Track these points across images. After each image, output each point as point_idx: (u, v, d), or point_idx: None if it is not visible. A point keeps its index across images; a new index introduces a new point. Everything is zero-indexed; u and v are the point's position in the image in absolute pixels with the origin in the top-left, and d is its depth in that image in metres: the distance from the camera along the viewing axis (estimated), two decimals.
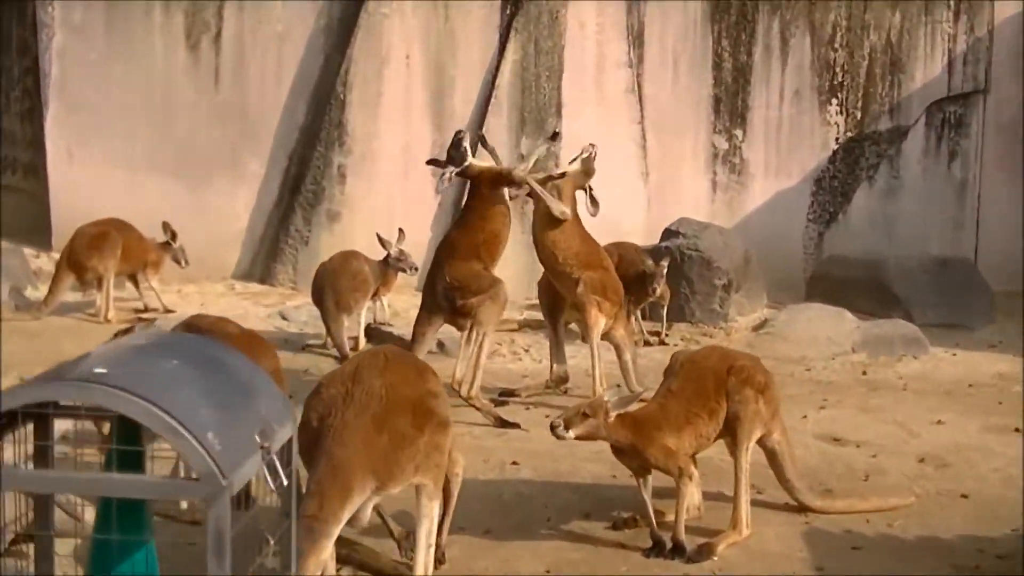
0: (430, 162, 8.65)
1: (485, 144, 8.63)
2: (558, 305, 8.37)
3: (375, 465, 4.53)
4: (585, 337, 8.18)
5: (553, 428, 5.39)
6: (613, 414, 5.44)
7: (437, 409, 4.79)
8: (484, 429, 7.47)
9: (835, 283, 11.74)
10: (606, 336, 8.06)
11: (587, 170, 8.04)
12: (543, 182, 7.92)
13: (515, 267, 10.45)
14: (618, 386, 5.69)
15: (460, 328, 7.87)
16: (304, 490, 4.42)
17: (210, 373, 3.31)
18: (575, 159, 8.09)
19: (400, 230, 9.79)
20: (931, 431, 7.71)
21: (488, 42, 12.21)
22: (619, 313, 8.08)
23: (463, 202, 8.20)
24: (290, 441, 3.52)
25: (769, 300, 11.51)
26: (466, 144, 7.85)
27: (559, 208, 7.83)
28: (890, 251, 12.43)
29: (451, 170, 7.77)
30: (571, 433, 5.37)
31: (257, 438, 3.24)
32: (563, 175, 8.02)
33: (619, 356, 8.14)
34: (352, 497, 4.46)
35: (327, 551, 4.44)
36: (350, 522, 4.53)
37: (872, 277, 11.58)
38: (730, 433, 5.75)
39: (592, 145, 8.12)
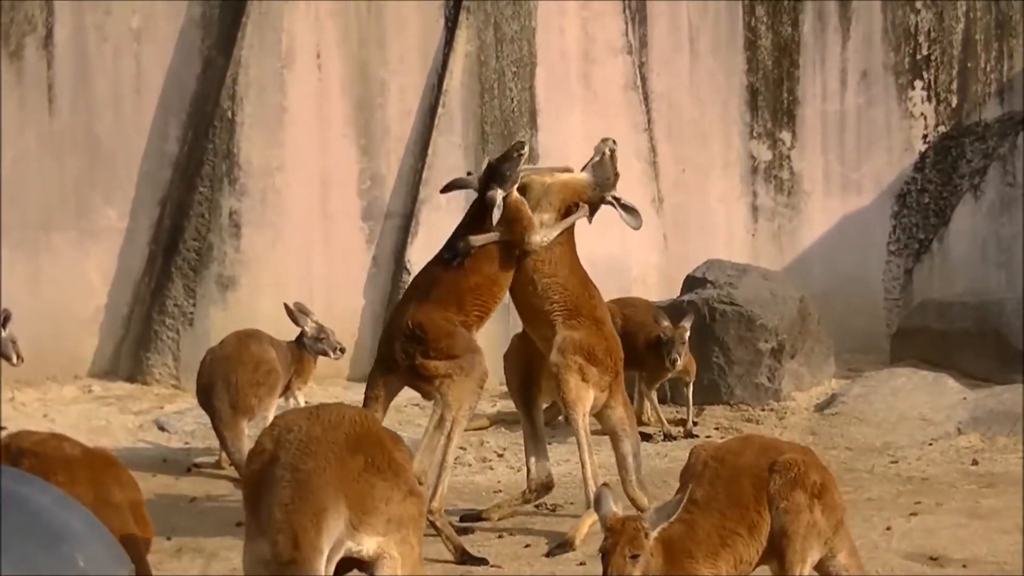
0: (448, 187, 8.70)
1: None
2: (531, 376, 8.47)
3: (347, 488, 5.02)
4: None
5: None
6: (652, 536, 5.47)
7: (410, 476, 5.33)
8: (444, 567, 7.59)
9: (932, 338, 11.91)
10: (598, 418, 8.18)
11: (601, 180, 8.22)
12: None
13: (490, 338, 10.49)
14: (606, 485, 5.75)
15: (425, 395, 8.00)
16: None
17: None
18: (586, 165, 8.29)
19: (295, 306, 9.92)
20: None
21: (430, 30, 12.44)
22: (615, 385, 8.16)
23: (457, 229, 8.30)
24: None
25: (839, 367, 11.70)
26: (524, 164, 8.07)
27: (575, 220, 8.10)
28: (1008, 290, 12.61)
29: (500, 193, 7.94)
30: None
31: None
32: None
33: (615, 446, 8.23)
34: (327, 523, 4.92)
35: None
36: None
37: (984, 328, 11.74)
38: (776, 555, 5.86)
39: (608, 140, 8.28)
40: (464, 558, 7.65)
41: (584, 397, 7.96)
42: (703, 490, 5.82)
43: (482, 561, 7.61)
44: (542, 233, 8.02)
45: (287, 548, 4.85)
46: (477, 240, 7.98)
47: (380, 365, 8.08)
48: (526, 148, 8.08)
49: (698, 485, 5.84)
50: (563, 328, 8.01)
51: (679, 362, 9.99)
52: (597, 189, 8.21)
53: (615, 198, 8.24)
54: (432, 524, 7.64)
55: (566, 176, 8.27)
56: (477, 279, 7.97)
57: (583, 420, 7.96)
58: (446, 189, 8.78)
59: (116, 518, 5.02)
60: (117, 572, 3.51)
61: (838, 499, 6.00)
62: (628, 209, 8.26)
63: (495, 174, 7.98)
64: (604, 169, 8.23)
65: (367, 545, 5.15)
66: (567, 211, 8.14)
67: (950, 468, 9.51)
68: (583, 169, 8.31)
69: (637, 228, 8.35)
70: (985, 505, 8.53)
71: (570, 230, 8.18)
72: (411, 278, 11.77)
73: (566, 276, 8.09)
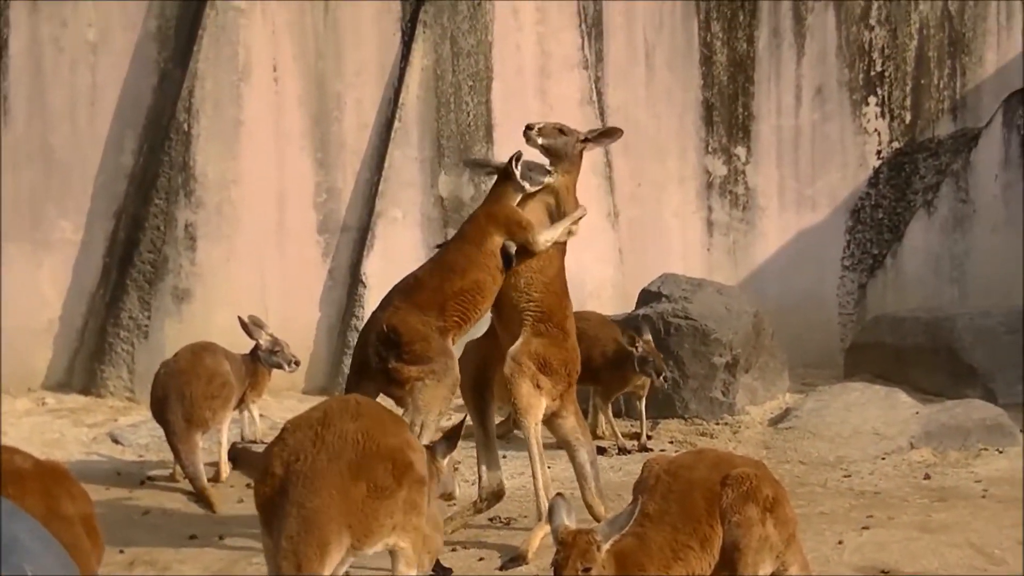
0: (471, 163, 8.63)
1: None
2: (485, 383, 8.42)
3: (351, 519, 5.47)
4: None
5: None
6: (604, 548, 5.49)
7: (416, 463, 5.75)
8: None
9: (885, 354, 12.00)
10: (549, 426, 8.16)
11: (565, 158, 8.15)
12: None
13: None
14: (560, 495, 5.75)
15: (397, 402, 7.97)
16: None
17: None
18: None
19: (250, 319, 9.94)
20: (1021, 557, 7.86)
21: (386, 43, 12.47)
22: (567, 394, 8.15)
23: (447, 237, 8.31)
24: None
25: (793, 382, 11.77)
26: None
27: (574, 221, 8.13)
28: (961, 306, 12.71)
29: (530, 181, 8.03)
30: None
31: None
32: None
33: (571, 456, 8.23)
34: (331, 555, 5.37)
35: None
36: None
37: (937, 343, 11.83)
38: (728, 568, 5.88)
39: (528, 130, 8.17)
40: (506, 563, 7.62)
41: (535, 405, 7.94)
42: (656, 503, 5.84)
43: (446, 571, 7.58)
44: (547, 232, 8.03)
45: (290, 570, 5.31)
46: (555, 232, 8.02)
47: (355, 370, 8.06)
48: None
49: (651, 499, 5.87)
50: (527, 332, 8.01)
51: (665, 374, 10.06)
52: (572, 160, 8.17)
53: (583, 140, 8.22)
54: None
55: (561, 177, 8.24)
56: (463, 284, 7.93)
57: (535, 429, 7.94)
58: (468, 164, 8.81)
59: (67, 531, 5.02)
60: None
61: (790, 513, 6.03)
62: (603, 134, 8.38)
63: (522, 172, 8.01)
64: (554, 148, 8.13)
65: (373, 550, 5.67)
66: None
67: (902, 482, 9.57)
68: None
69: (619, 135, 8.47)
70: (936, 519, 8.56)
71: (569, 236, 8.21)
72: (366, 291, 11.93)
73: (552, 277, 8.08)
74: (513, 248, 7.96)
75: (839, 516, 8.62)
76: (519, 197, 8.07)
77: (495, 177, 8.25)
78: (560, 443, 8.29)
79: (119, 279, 12.18)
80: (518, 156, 8.01)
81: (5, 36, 12.06)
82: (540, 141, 8.13)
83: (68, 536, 4.99)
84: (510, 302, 8.07)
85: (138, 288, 12.10)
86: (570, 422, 8.17)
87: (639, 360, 10.00)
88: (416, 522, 5.75)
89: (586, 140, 8.23)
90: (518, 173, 8.00)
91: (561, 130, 8.16)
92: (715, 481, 5.88)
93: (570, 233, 8.13)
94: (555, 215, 8.11)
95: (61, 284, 12.27)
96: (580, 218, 8.19)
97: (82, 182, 12.23)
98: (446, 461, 6.57)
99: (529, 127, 8.16)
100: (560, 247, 8.13)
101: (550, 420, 8.11)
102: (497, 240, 7.97)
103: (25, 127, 12.13)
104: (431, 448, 6.48)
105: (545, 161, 8.15)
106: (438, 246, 8.70)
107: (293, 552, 5.34)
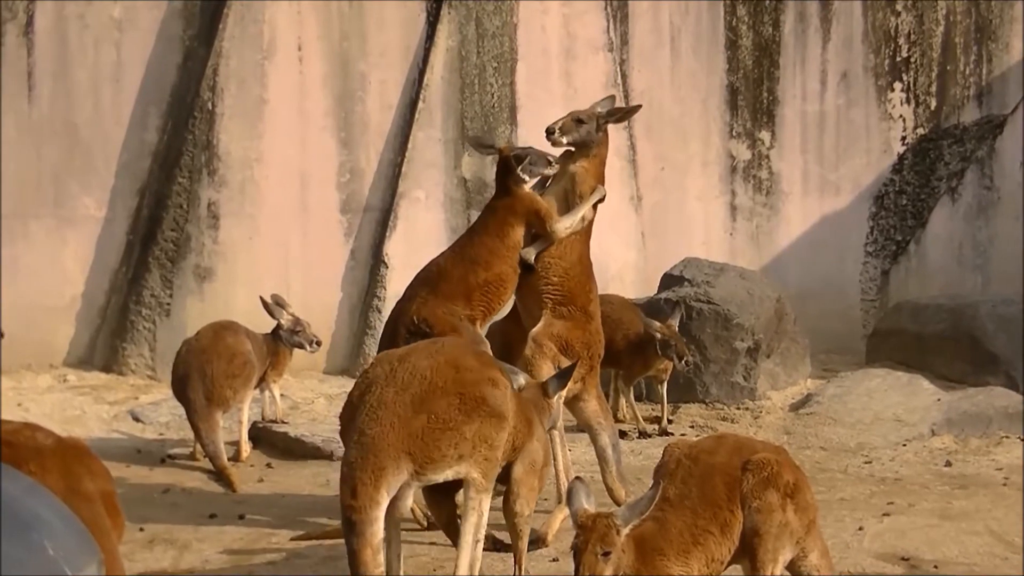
0: (475, 143, 8.54)
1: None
2: (508, 361, 8.42)
3: (410, 447, 5.79)
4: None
5: None
6: (624, 532, 5.45)
7: (491, 398, 6.03)
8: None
9: (907, 340, 11.95)
10: (571, 409, 8.17)
11: (589, 144, 8.14)
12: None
13: None
14: (579, 479, 5.74)
15: None
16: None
17: None
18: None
19: (272, 298, 9.95)
20: None
21: (411, 24, 12.47)
22: (590, 377, 8.16)
23: (472, 223, 8.31)
24: None
25: (814, 367, 11.76)
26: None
27: (593, 204, 8.10)
28: (984, 293, 12.67)
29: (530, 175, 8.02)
30: None
31: None
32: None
33: (593, 440, 8.25)
34: (386, 479, 5.74)
35: (378, 536, 5.74)
36: (388, 510, 5.77)
37: (959, 330, 11.77)
38: (747, 554, 5.86)
39: (548, 133, 8.15)
40: (498, 545, 7.56)
41: None
42: (676, 488, 5.81)
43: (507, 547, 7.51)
44: (565, 220, 8.01)
45: (347, 496, 5.74)
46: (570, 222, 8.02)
47: None
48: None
49: (671, 483, 5.84)
50: (548, 314, 8.02)
51: (687, 358, 10.05)
52: (597, 146, 8.16)
53: (603, 120, 8.18)
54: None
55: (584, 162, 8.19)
56: (487, 276, 7.95)
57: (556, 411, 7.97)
58: (472, 143, 8.78)
59: (87, 508, 5.02)
60: (87, 561, 3.51)
61: (811, 499, 6.00)
62: (623, 112, 8.42)
63: (523, 167, 7.99)
64: (578, 138, 8.10)
65: (442, 477, 5.96)
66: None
67: (923, 469, 9.56)
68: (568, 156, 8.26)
69: (638, 110, 8.71)
70: (957, 506, 8.57)
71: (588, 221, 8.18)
72: (388, 272, 11.93)
73: (572, 262, 8.08)
74: (532, 256, 7.98)
75: (859, 503, 8.62)
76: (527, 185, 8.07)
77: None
78: (582, 426, 8.30)
79: (142, 257, 12.20)
80: (517, 155, 8.00)
81: (31, 12, 12.09)
82: (565, 141, 8.13)
83: (88, 513, 4.98)
84: (531, 285, 8.07)
85: (160, 266, 12.12)
86: (592, 405, 8.18)
87: (661, 344, 9.99)
88: (488, 454, 6.00)
89: (606, 121, 8.20)
90: (519, 169, 7.99)
91: (579, 120, 8.13)
92: (736, 466, 5.85)
93: (583, 219, 8.09)
94: (572, 199, 8.09)
95: (84, 261, 12.31)
96: (600, 201, 8.15)
97: (106, 159, 12.25)
98: (556, 398, 7.00)
99: (550, 131, 8.14)
100: (582, 234, 8.10)
101: (572, 403, 8.10)
102: (519, 231, 7.98)
103: (50, 104, 12.17)
104: (544, 385, 6.90)
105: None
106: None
107: (350, 478, 5.76)
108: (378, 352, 8.07)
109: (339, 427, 6.37)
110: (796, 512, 5.87)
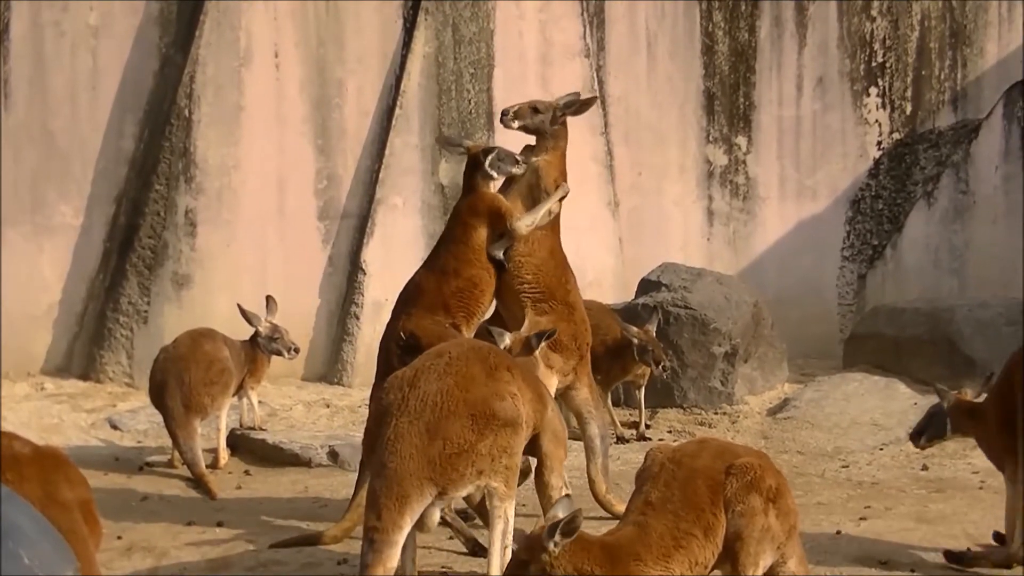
0: (443, 141, 8.55)
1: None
2: None
3: (430, 473, 6.01)
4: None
5: None
6: (561, 541, 5.46)
7: (501, 411, 6.20)
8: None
9: (884, 344, 11.97)
10: (563, 398, 8.20)
11: (546, 135, 8.14)
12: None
13: None
14: (568, 496, 5.89)
15: None
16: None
17: None
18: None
19: (269, 298, 9.97)
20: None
21: (388, 30, 12.46)
22: (580, 366, 8.21)
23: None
24: None
25: (792, 372, 11.79)
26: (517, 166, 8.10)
27: (557, 201, 8.08)
28: (960, 297, 12.70)
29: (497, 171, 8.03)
30: None
31: None
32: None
33: (581, 428, 8.28)
34: (411, 505, 5.97)
35: (393, 560, 5.94)
36: (418, 526, 6.06)
37: (935, 334, 11.78)
38: (729, 558, 5.85)
39: (503, 116, 8.20)
40: (476, 549, 7.61)
41: (547, 383, 7.85)
42: (658, 491, 5.81)
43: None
44: (527, 217, 8.03)
45: (372, 519, 5.95)
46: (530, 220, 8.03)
47: (379, 377, 8.01)
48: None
49: (654, 486, 5.85)
50: (531, 313, 8.06)
51: (665, 363, 10.08)
52: (554, 137, 8.17)
53: (560, 112, 8.18)
54: (442, 518, 7.61)
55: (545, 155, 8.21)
56: (458, 283, 8.00)
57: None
58: (440, 142, 8.75)
59: (65, 516, 5.02)
60: (63, 570, 3.50)
61: (792, 504, 5.98)
62: (578, 105, 8.28)
63: (491, 161, 8.00)
64: (533, 125, 8.14)
65: (465, 493, 6.21)
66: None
67: (900, 473, 9.59)
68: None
69: (594, 103, 8.60)
70: (934, 510, 8.60)
71: (554, 216, 8.18)
72: (366, 278, 11.94)
73: (543, 258, 8.12)
74: (499, 254, 8.01)
75: (837, 507, 8.64)
76: (495, 184, 8.09)
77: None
78: (572, 413, 8.36)
79: (119, 264, 12.19)
80: (487, 150, 8.05)
81: (6, 19, 12.06)
82: (516, 125, 8.18)
83: (66, 522, 4.99)
84: (507, 284, 8.13)
85: (138, 273, 12.11)
86: (583, 394, 8.26)
87: (638, 349, 10.01)
88: (508, 463, 6.20)
89: (563, 113, 8.22)
90: (487, 163, 8.01)
91: (535, 108, 8.19)
92: (719, 470, 5.84)
93: (548, 213, 8.10)
94: (537, 193, 8.11)
95: (61, 268, 12.27)
96: (562, 198, 8.16)
97: (82, 167, 12.22)
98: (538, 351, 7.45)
99: (504, 112, 8.23)
100: (549, 228, 8.14)
101: (564, 392, 8.20)
102: (482, 232, 8.01)
103: (26, 111, 12.14)
104: (527, 340, 7.39)
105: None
106: None
107: (376, 504, 5.96)
108: (376, 376, 8.09)
109: (363, 450, 6.67)
110: (778, 517, 5.86)
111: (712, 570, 5.90)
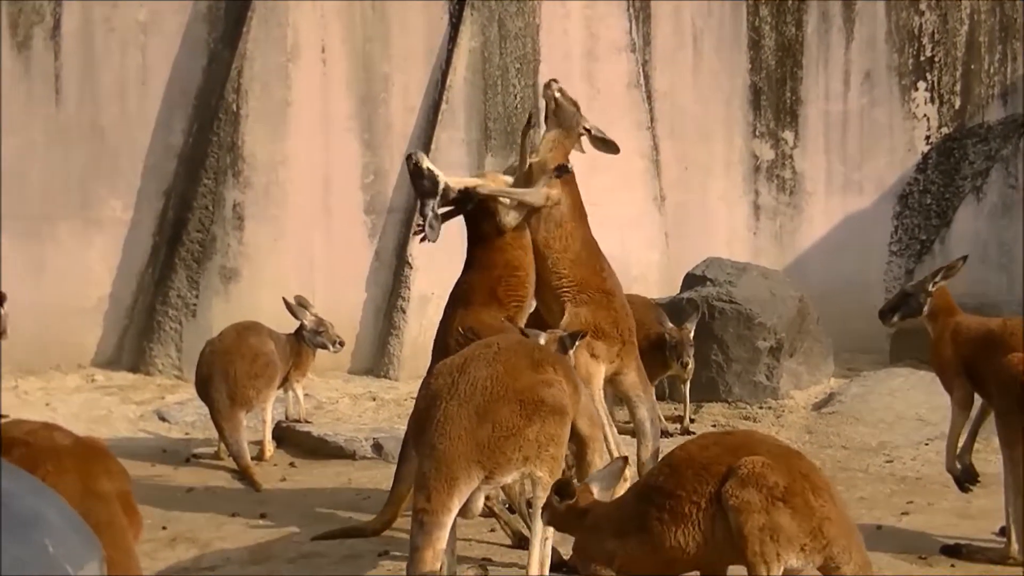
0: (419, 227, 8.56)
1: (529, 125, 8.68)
2: None
3: (479, 456, 6.09)
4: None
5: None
6: (582, 492, 5.86)
7: (549, 398, 6.28)
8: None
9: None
10: (612, 385, 8.23)
11: (567, 121, 8.26)
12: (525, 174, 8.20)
13: None
14: (625, 459, 6.30)
15: None
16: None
17: None
18: (545, 118, 8.37)
19: (299, 298, 10.02)
20: None
21: (434, 26, 12.52)
22: (625, 351, 8.22)
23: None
24: None
25: (838, 367, 11.76)
26: (427, 164, 8.12)
27: (535, 195, 8.10)
28: (1008, 293, 12.64)
29: (432, 204, 8.04)
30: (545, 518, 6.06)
31: None
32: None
33: (631, 412, 8.31)
34: (459, 488, 6.05)
35: (442, 542, 6.03)
36: (462, 511, 6.11)
37: None
38: (739, 555, 5.74)
39: (549, 83, 8.34)
40: (522, 542, 7.63)
41: (595, 373, 8.05)
42: (656, 473, 5.92)
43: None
44: (510, 213, 8.09)
45: (422, 501, 6.03)
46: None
47: None
48: (421, 155, 8.24)
49: (658, 469, 6.00)
50: (570, 307, 8.10)
51: (691, 365, 10.08)
52: (570, 131, 8.25)
53: (587, 129, 8.28)
54: (490, 509, 7.65)
55: (542, 150, 8.25)
56: (499, 272, 8.05)
57: (598, 395, 8.05)
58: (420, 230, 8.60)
59: (104, 507, 5.07)
60: (88, 559, 3.55)
61: (816, 503, 5.69)
62: (601, 141, 8.33)
63: (421, 189, 8.12)
64: (563, 110, 8.27)
65: (511, 479, 6.27)
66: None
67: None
68: (546, 121, 8.36)
69: (617, 151, 8.38)
70: (976, 506, 8.55)
71: (578, 204, 8.22)
72: (412, 272, 12.00)
73: (577, 251, 8.18)
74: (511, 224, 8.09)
75: (879, 501, 8.64)
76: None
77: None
78: (621, 398, 8.41)
79: (168, 258, 12.29)
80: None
81: (58, 16, 12.19)
82: (557, 96, 8.24)
83: (105, 513, 5.04)
84: (544, 281, 8.19)
85: (186, 267, 12.21)
86: (631, 378, 8.27)
87: (668, 345, 10.06)
88: (554, 452, 6.27)
89: (588, 131, 8.31)
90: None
91: (576, 104, 8.27)
92: (722, 461, 5.72)
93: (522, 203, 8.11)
94: (535, 164, 8.19)
95: (111, 262, 12.41)
96: (526, 200, 8.12)
97: (132, 161, 12.35)
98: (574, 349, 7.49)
99: (555, 81, 8.32)
100: (578, 219, 8.20)
101: (612, 378, 8.20)
102: (492, 221, 8.09)
103: (77, 107, 12.28)
104: (562, 340, 7.39)
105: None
106: None
107: (425, 486, 6.04)
108: (430, 369, 8.13)
109: (409, 433, 6.85)
110: (792, 517, 5.68)
111: (726, 564, 5.85)
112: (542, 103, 8.52)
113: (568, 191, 8.19)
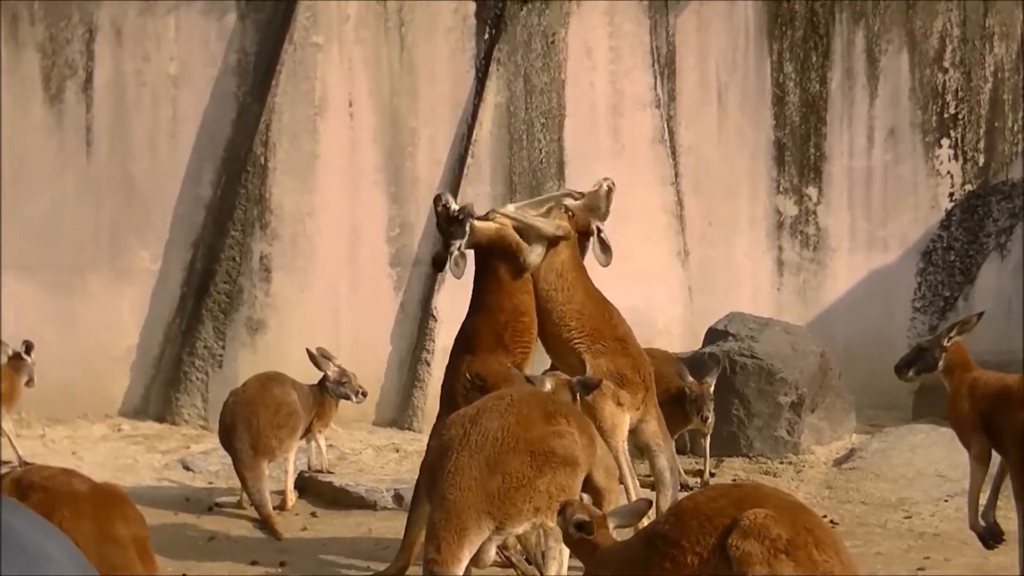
0: (437, 261, 8.67)
1: None
2: None
3: (489, 507, 6.20)
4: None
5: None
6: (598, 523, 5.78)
7: (560, 449, 6.38)
8: None
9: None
10: (632, 434, 8.26)
11: (597, 208, 8.45)
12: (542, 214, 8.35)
13: None
14: (647, 500, 6.28)
15: None
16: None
17: None
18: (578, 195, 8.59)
19: (318, 351, 10.07)
20: None
21: (461, 80, 12.63)
22: (648, 397, 8.29)
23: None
24: None
25: (861, 423, 11.76)
26: (454, 205, 8.23)
27: (548, 224, 8.22)
28: None
29: (458, 244, 8.14)
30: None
31: None
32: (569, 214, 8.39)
33: (651, 461, 8.36)
34: (469, 538, 6.15)
35: None
36: (474, 561, 6.24)
37: None
38: None
39: (607, 179, 8.58)
40: None
41: (621, 423, 8.12)
42: (661, 524, 5.86)
43: None
44: (534, 251, 8.19)
45: (432, 551, 6.13)
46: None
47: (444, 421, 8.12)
48: (448, 195, 8.36)
49: (665, 520, 5.92)
50: (589, 356, 8.16)
51: (711, 419, 10.11)
52: (588, 213, 8.44)
53: (598, 228, 8.44)
54: (507, 559, 7.69)
55: (574, 206, 8.49)
56: (504, 316, 8.14)
57: (622, 446, 8.12)
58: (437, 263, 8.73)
59: (119, 552, 5.16)
60: None
61: (820, 558, 5.68)
62: (604, 245, 8.45)
63: (446, 232, 8.21)
64: (598, 198, 8.50)
65: (521, 529, 6.38)
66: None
67: (963, 525, 9.44)
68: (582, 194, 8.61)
69: (605, 264, 8.48)
70: (994, 562, 8.54)
71: (577, 255, 8.36)
72: (437, 325, 12.07)
73: (582, 301, 8.26)
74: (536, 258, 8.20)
75: (895, 557, 8.64)
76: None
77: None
78: (640, 448, 8.43)
79: (195, 309, 12.39)
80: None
81: (90, 69, 12.34)
82: (605, 188, 8.56)
83: (120, 558, 5.13)
84: (555, 336, 8.29)
85: (213, 318, 12.30)
86: (652, 426, 8.35)
87: (687, 399, 10.10)
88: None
89: (599, 229, 8.51)
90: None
91: (608, 211, 8.58)
92: (727, 514, 5.72)
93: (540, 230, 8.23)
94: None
95: (139, 313, 12.51)
96: (539, 227, 8.24)
97: (161, 213, 12.46)
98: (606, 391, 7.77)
99: (613, 187, 8.60)
100: (578, 269, 8.33)
101: (634, 427, 8.27)
102: (502, 267, 8.20)
103: (107, 158, 12.42)
104: (568, 383, 7.57)
105: None
106: None
107: (435, 536, 6.16)
108: (438, 418, 8.19)
109: (420, 481, 6.94)
110: (795, 570, 5.66)
111: None
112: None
113: (569, 241, 8.31)
